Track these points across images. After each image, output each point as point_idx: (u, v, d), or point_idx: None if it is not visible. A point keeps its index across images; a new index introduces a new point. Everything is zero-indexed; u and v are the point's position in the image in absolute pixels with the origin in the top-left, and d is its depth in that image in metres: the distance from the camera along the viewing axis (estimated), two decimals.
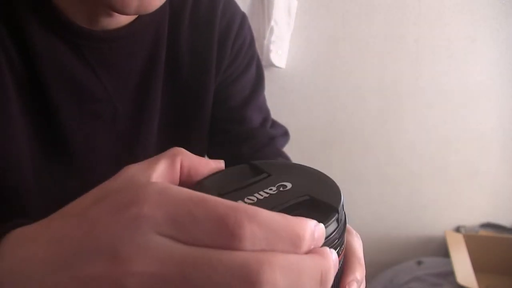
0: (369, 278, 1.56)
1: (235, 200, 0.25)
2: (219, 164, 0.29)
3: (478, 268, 1.26)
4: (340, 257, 0.27)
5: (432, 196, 1.54)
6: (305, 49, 1.46)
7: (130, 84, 0.54)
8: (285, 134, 0.69)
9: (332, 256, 0.22)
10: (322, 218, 0.24)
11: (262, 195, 0.26)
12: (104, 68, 0.52)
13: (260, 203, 0.26)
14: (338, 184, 0.29)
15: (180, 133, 0.59)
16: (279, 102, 1.52)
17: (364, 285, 0.32)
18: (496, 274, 1.41)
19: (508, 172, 1.49)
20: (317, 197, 0.26)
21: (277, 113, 1.52)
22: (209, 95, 0.59)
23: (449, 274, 1.30)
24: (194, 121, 0.59)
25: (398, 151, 1.52)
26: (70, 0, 0.47)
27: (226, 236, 0.19)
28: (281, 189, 0.27)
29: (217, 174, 0.29)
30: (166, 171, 0.25)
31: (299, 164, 0.31)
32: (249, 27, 0.63)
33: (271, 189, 0.27)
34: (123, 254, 0.19)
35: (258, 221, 0.20)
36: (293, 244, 0.20)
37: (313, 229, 0.21)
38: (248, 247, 0.19)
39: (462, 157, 1.50)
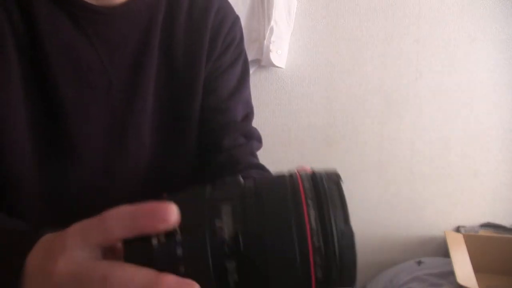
0: (369, 278, 1.56)
1: None
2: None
3: (478, 268, 1.26)
4: None
5: (432, 196, 1.54)
6: (305, 49, 1.46)
7: (125, 60, 0.57)
8: (259, 140, 0.71)
9: None
10: None
11: None
12: (100, 41, 0.55)
13: None
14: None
15: (174, 119, 0.61)
16: (279, 102, 1.52)
17: None
18: (496, 274, 1.41)
19: (508, 172, 1.49)
20: None
21: (277, 113, 1.53)
22: (199, 81, 0.62)
23: (449, 274, 1.30)
24: (186, 107, 0.62)
25: (398, 151, 1.52)
26: None
27: None
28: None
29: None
30: None
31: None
32: (240, 28, 0.68)
33: None
34: None
35: None
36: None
37: None
38: None
39: (462, 157, 1.50)
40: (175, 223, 0.27)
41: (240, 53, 0.68)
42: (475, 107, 1.45)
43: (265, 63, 1.42)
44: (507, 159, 1.48)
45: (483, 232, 1.49)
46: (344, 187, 0.28)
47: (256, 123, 0.70)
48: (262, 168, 0.64)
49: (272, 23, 1.36)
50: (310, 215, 0.26)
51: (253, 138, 0.68)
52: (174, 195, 0.29)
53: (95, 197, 0.57)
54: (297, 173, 0.29)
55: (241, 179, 0.29)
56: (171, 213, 0.27)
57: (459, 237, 1.43)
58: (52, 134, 0.54)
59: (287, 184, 0.28)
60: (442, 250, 1.51)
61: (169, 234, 0.27)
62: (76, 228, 0.30)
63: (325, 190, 0.27)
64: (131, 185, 0.59)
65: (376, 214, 1.57)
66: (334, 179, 0.28)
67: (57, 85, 0.53)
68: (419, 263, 1.48)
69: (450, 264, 1.27)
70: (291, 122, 1.54)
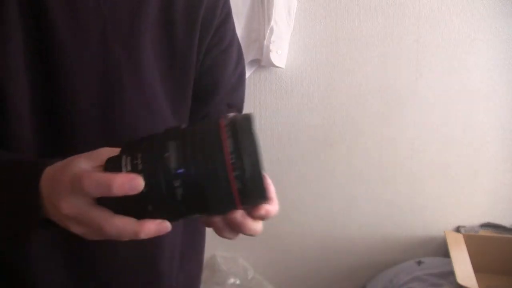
0: (369, 278, 1.56)
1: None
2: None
3: (478, 268, 1.26)
4: None
5: (432, 196, 1.54)
6: (305, 49, 1.46)
7: (123, 10, 0.56)
8: (240, 111, 0.77)
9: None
10: None
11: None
12: None
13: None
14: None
15: (172, 75, 0.62)
16: (279, 102, 1.52)
17: None
18: (496, 274, 1.41)
19: (508, 172, 1.49)
20: None
21: (277, 113, 1.53)
22: (194, 48, 0.63)
23: (449, 274, 1.30)
24: (183, 65, 0.63)
25: (398, 151, 1.52)
26: None
27: None
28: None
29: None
30: None
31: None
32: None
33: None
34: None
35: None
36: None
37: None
38: None
39: (462, 157, 1.50)
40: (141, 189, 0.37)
41: (234, 30, 0.72)
42: (475, 107, 1.45)
43: (265, 63, 1.42)
44: (507, 159, 1.48)
45: (483, 232, 1.49)
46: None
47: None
48: None
49: (272, 23, 1.36)
50: (229, 142, 0.37)
51: (235, 107, 0.74)
52: (135, 140, 0.40)
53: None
54: (221, 117, 0.40)
55: (183, 125, 0.41)
56: (140, 185, 0.37)
57: (459, 237, 1.43)
58: (47, 75, 0.54)
59: (211, 122, 0.39)
60: (442, 250, 1.51)
61: (134, 164, 0.38)
62: (66, 184, 0.39)
63: (239, 123, 0.38)
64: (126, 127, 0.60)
65: (376, 214, 1.57)
66: (247, 117, 0.40)
67: (52, 25, 0.52)
68: (419, 263, 1.48)
69: (450, 264, 1.27)
70: (291, 122, 1.54)
